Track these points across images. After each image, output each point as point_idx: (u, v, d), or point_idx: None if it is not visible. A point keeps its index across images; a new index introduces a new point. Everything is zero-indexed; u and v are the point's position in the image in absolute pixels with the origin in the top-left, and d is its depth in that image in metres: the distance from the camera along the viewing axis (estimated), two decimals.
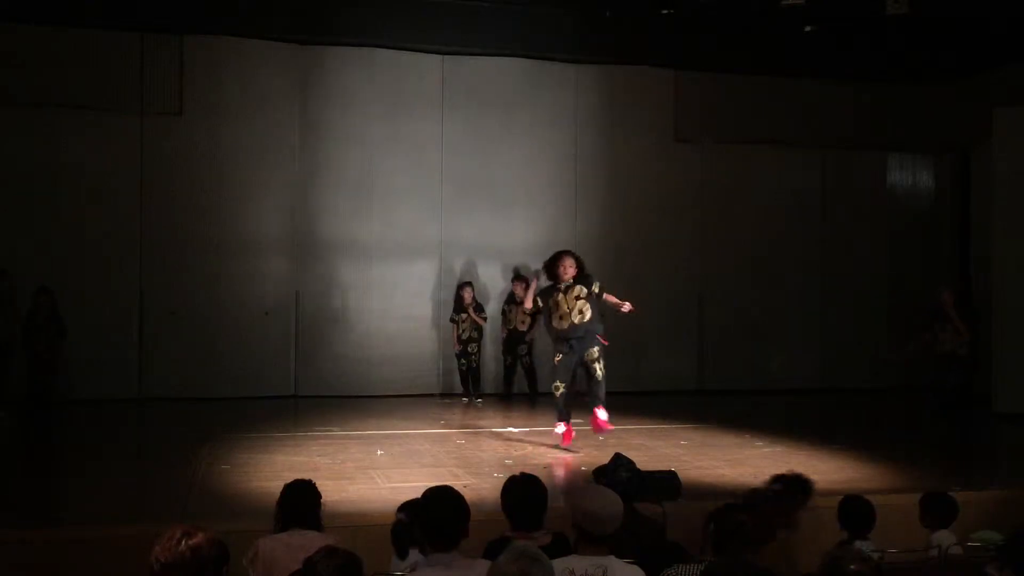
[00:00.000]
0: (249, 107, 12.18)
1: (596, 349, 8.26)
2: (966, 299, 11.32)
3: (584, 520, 3.74)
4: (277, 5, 11.89)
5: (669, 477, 6.78)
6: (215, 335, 11.95)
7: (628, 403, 9.85)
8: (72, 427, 10.40)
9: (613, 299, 8.38)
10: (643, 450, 8.25)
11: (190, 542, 2.80)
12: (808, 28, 12.13)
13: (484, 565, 3.28)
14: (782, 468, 7.49)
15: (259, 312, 12.18)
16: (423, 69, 12.69)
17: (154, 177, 11.84)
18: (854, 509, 5.01)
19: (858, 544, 4.74)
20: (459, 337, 12.18)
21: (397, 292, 12.59)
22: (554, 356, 8.48)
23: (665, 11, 11.59)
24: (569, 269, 8.31)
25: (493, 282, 12.83)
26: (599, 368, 8.25)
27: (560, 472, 7.77)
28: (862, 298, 13.95)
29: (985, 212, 12.28)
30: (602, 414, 8.22)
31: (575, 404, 8.50)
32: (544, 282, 8.50)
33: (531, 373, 12.39)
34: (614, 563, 3.68)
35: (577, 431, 8.54)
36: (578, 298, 8.22)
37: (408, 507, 4.41)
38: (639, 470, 6.80)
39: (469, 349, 12.18)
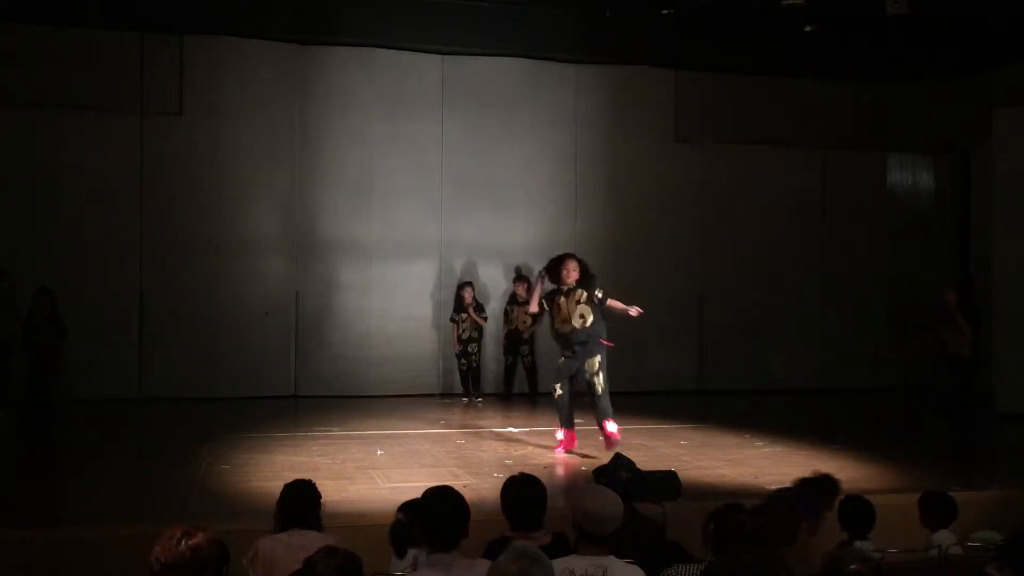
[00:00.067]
0: (249, 107, 12.19)
1: (597, 361, 8.10)
2: (969, 299, 11.33)
3: (584, 520, 3.73)
4: (277, 5, 11.89)
5: (669, 477, 6.78)
6: (215, 335, 11.95)
7: (628, 403, 9.84)
8: (72, 427, 10.40)
9: (618, 305, 8.21)
10: (643, 450, 8.25)
11: (190, 542, 2.80)
12: (808, 28, 12.13)
13: (484, 565, 3.28)
14: (782, 468, 7.57)
15: (259, 312, 12.18)
16: (423, 69, 12.69)
17: (154, 177, 11.84)
18: (854, 509, 5.00)
19: (858, 544, 4.75)
20: (459, 337, 12.18)
21: (397, 292, 12.59)
22: (559, 357, 8.47)
23: (665, 11, 11.59)
24: (572, 273, 8.20)
25: (493, 282, 12.83)
26: (599, 383, 8.09)
27: (560, 472, 7.78)
28: (862, 298, 13.95)
29: (985, 212, 12.28)
30: (610, 426, 8.06)
31: (577, 404, 8.47)
32: (548, 285, 8.44)
33: (532, 373, 12.39)
34: (614, 563, 3.67)
35: (579, 431, 8.53)
36: (579, 303, 8.14)
37: (408, 507, 4.41)
38: (639, 470, 6.81)
39: (469, 349, 12.18)
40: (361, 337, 12.42)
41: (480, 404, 11.86)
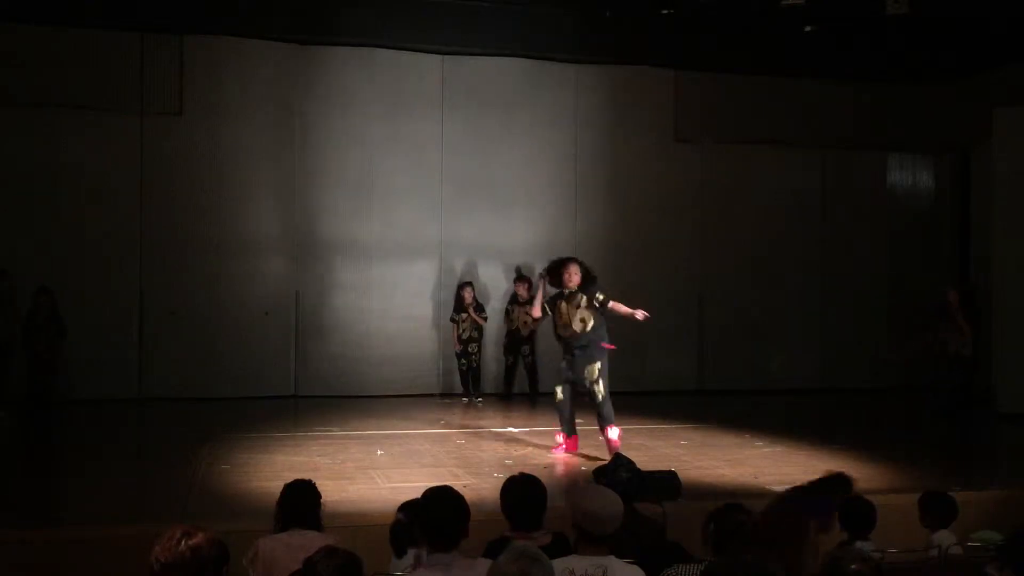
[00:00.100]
0: (249, 107, 12.19)
1: (597, 368, 8.06)
2: (970, 299, 11.34)
3: (584, 520, 3.73)
4: (277, 5, 11.89)
5: (669, 477, 6.79)
6: (215, 335, 11.95)
7: (628, 403, 9.84)
8: (72, 427, 10.40)
9: (622, 308, 8.17)
10: (643, 450, 8.25)
11: (190, 542, 2.79)
12: (808, 28, 12.13)
13: (484, 565, 3.28)
14: (782, 468, 7.58)
15: (259, 312, 12.18)
16: (423, 69, 12.69)
17: (154, 177, 11.84)
18: (854, 509, 5.00)
19: (858, 544, 4.74)
20: (459, 337, 12.18)
21: (397, 292, 12.59)
22: (561, 359, 8.47)
23: (665, 11, 11.59)
24: (574, 277, 8.17)
25: (493, 282, 12.83)
26: (599, 391, 8.06)
27: (560, 472, 7.78)
28: (862, 298, 13.95)
29: (985, 212, 12.28)
30: (611, 433, 8.04)
31: (579, 405, 8.46)
32: (550, 289, 8.43)
33: (532, 373, 12.39)
34: (614, 563, 3.67)
35: (580, 431, 8.52)
36: (579, 307, 8.13)
37: (408, 507, 4.41)
38: (639, 470, 6.82)
39: (469, 349, 12.18)
40: (361, 337, 12.42)
41: (480, 404, 11.86)
